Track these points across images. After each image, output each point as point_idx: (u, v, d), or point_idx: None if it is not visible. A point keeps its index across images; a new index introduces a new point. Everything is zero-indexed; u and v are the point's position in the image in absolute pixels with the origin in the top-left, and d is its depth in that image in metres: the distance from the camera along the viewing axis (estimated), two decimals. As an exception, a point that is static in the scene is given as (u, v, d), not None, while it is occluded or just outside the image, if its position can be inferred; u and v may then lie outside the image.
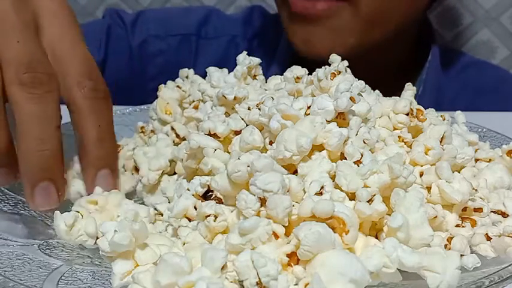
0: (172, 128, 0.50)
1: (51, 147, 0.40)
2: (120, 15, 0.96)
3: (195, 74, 0.55)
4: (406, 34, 0.89)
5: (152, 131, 0.52)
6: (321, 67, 0.44)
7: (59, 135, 0.41)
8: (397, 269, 0.32)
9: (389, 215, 0.34)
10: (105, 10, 0.98)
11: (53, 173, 0.41)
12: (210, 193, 0.37)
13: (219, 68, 0.51)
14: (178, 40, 0.96)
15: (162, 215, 0.42)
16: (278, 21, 0.86)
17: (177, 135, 0.50)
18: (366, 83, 0.44)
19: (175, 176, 0.47)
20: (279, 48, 0.93)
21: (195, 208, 0.38)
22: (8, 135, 0.41)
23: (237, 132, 0.40)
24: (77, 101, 0.43)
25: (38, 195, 0.41)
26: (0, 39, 0.40)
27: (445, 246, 0.36)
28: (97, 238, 0.39)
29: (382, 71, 0.82)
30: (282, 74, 0.50)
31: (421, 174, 0.39)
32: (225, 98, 0.44)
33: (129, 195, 0.48)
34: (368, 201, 0.34)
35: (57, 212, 0.40)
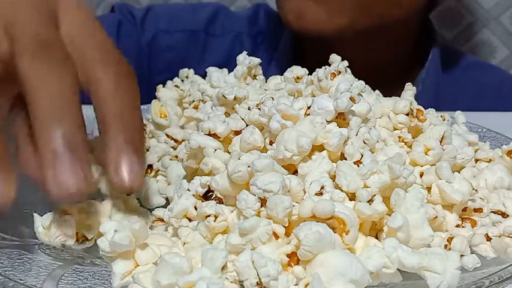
0: (168, 135, 0.50)
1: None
2: (131, 11, 0.96)
3: (202, 71, 0.55)
4: (406, 34, 0.89)
5: (151, 132, 0.52)
6: (321, 67, 0.44)
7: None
8: (397, 269, 0.32)
9: (390, 215, 0.34)
10: (115, 4, 0.98)
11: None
12: (211, 193, 0.37)
13: (225, 64, 0.51)
14: (187, 36, 0.97)
15: (162, 220, 0.42)
16: (280, 19, 0.87)
17: (175, 140, 0.49)
18: (365, 83, 0.44)
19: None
20: (280, 46, 0.94)
21: (195, 208, 0.38)
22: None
23: (237, 132, 0.40)
24: (100, 80, 0.38)
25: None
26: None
27: (445, 246, 0.36)
28: (77, 238, 0.38)
29: (381, 71, 0.83)
30: (281, 72, 0.50)
31: (421, 175, 0.39)
32: (225, 98, 0.44)
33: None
34: (368, 202, 0.34)
35: (36, 215, 0.38)
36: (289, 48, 0.93)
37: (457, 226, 0.38)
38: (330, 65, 0.45)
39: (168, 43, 0.96)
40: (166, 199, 0.47)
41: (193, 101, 0.52)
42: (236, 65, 0.50)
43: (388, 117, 0.43)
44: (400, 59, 0.92)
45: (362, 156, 0.37)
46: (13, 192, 0.34)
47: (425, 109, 0.44)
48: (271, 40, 0.97)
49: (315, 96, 0.41)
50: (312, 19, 0.79)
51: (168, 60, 0.96)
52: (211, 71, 0.50)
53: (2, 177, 0.34)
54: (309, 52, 0.90)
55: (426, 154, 0.40)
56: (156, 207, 0.45)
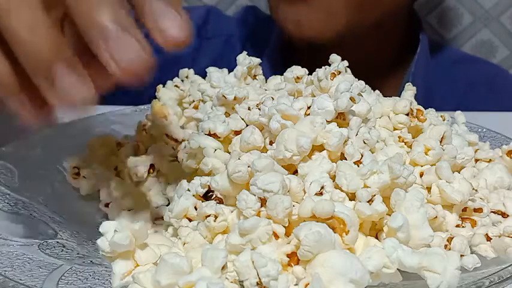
0: (168, 135, 0.49)
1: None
2: None
3: (194, 73, 0.55)
4: (394, 27, 0.89)
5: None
6: (315, 69, 0.44)
7: None
8: (397, 269, 0.32)
9: (390, 215, 0.34)
10: None
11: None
12: (211, 193, 0.37)
13: (215, 67, 0.51)
14: None
15: (162, 219, 0.42)
16: (269, 22, 0.87)
17: (175, 140, 0.49)
18: (356, 76, 0.44)
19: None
20: (268, 48, 0.94)
21: (195, 208, 0.38)
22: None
23: (237, 132, 0.40)
24: None
25: None
26: None
27: (445, 246, 0.36)
28: None
29: (372, 64, 0.82)
30: (270, 74, 0.50)
31: (421, 175, 0.39)
32: (225, 98, 0.44)
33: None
34: (368, 202, 0.34)
35: None
36: (277, 50, 0.92)
37: (457, 226, 0.38)
38: (325, 64, 0.45)
39: (157, 46, 0.95)
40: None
41: (193, 101, 0.52)
42: (227, 66, 0.50)
43: (388, 117, 0.43)
44: (389, 52, 0.91)
45: (362, 156, 0.37)
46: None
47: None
48: (259, 43, 0.96)
49: (315, 96, 0.41)
50: (311, 26, 0.79)
51: (159, 63, 0.94)
52: (211, 71, 0.50)
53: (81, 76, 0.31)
54: (299, 52, 0.90)
55: (426, 154, 0.40)
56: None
